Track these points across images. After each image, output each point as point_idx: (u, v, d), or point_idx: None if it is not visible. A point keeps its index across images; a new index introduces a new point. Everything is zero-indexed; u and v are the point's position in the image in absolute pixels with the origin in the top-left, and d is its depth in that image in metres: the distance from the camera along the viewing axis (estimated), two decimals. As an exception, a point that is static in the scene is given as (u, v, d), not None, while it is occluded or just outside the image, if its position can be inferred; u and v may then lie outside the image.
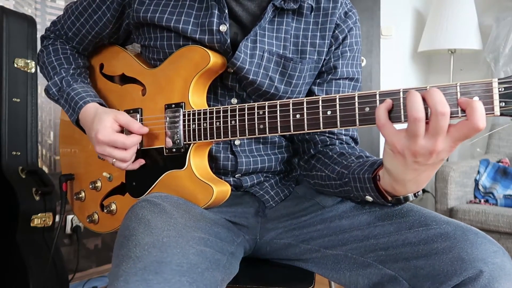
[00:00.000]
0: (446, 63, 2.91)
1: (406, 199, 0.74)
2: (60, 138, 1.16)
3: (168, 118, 0.90)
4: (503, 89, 0.60)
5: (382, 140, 2.61)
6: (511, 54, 2.66)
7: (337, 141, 0.95)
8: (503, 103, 0.60)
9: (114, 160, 0.89)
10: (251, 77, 0.88)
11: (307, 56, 0.92)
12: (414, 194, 0.74)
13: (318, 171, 0.91)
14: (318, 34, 0.92)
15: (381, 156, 0.74)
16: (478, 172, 2.38)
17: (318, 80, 0.96)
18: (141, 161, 0.93)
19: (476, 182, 2.35)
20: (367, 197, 0.80)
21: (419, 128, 0.62)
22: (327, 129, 0.73)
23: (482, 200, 2.27)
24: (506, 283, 0.68)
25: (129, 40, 1.06)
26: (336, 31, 0.93)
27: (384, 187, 0.76)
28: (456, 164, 2.28)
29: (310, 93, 0.97)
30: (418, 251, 0.74)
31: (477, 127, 0.59)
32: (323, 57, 0.94)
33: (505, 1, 2.76)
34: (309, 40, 0.92)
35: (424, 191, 3.12)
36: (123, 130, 0.91)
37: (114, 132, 0.88)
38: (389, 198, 0.77)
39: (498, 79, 0.60)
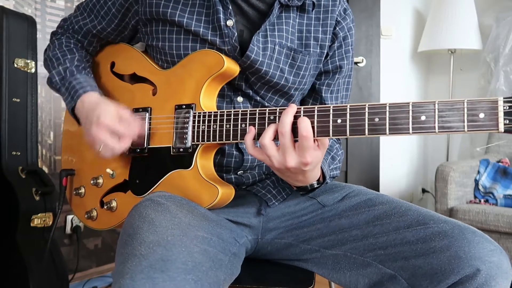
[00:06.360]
0: (446, 63, 2.91)
1: (311, 186, 0.83)
2: (63, 134, 1.16)
3: (177, 118, 0.90)
4: (508, 107, 0.63)
5: (382, 143, 2.62)
6: (511, 54, 2.66)
7: None
8: (507, 121, 0.63)
9: (102, 146, 0.87)
10: (264, 69, 0.90)
11: (311, 49, 0.95)
12: (318, 181, 0.84)
13: None
14: (320, 29, 0.96)
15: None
16: (478, 172, 2.38)
17: (327, 81, 1.00)
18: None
19: (476, 182, 2.35)
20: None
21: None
22: (335, 137, 0.77)
23: (482, 200, 2.27)
24: (503, 282, 0.68)
25: (133, 40, 1.06)
26: (337, 28, 0.97)
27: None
28: (456, 164, 2.28)
29: (316, 91, 1.01)
30: (417, 249, 0.75)
31: (301, 135, 0.72)
32: (325, 51, 0.98)
33: (505, 1, 2.76)
34: (312, 35, 0.96)
35: (424, 191, 3.12)
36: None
37: (117, 120, 0.88)
38: (294, 188, 0.86)
39: (504, 98, 0.63)
